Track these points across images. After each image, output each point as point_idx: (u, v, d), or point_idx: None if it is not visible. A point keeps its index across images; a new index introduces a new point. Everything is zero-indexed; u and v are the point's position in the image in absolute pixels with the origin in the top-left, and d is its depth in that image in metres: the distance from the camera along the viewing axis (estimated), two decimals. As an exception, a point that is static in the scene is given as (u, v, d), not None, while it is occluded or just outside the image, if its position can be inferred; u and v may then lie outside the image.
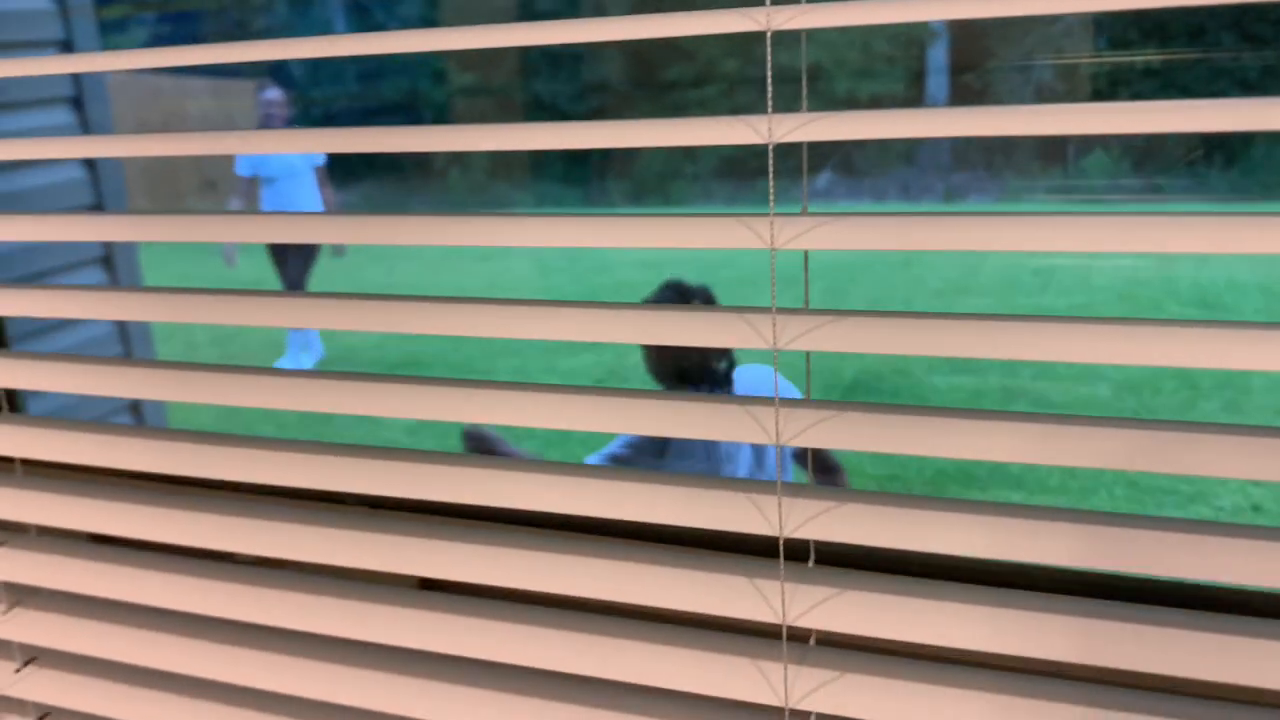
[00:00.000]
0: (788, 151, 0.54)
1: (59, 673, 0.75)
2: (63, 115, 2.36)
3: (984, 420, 0.52)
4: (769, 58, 0.53)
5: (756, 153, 0.53)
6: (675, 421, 0.57)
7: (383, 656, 0.67)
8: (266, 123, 3.97)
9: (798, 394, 1.82)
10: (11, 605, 0.76)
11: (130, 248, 2.50)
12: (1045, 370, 4.75)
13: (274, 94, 4.35)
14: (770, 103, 0.53)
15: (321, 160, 4.33)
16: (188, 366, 0.70)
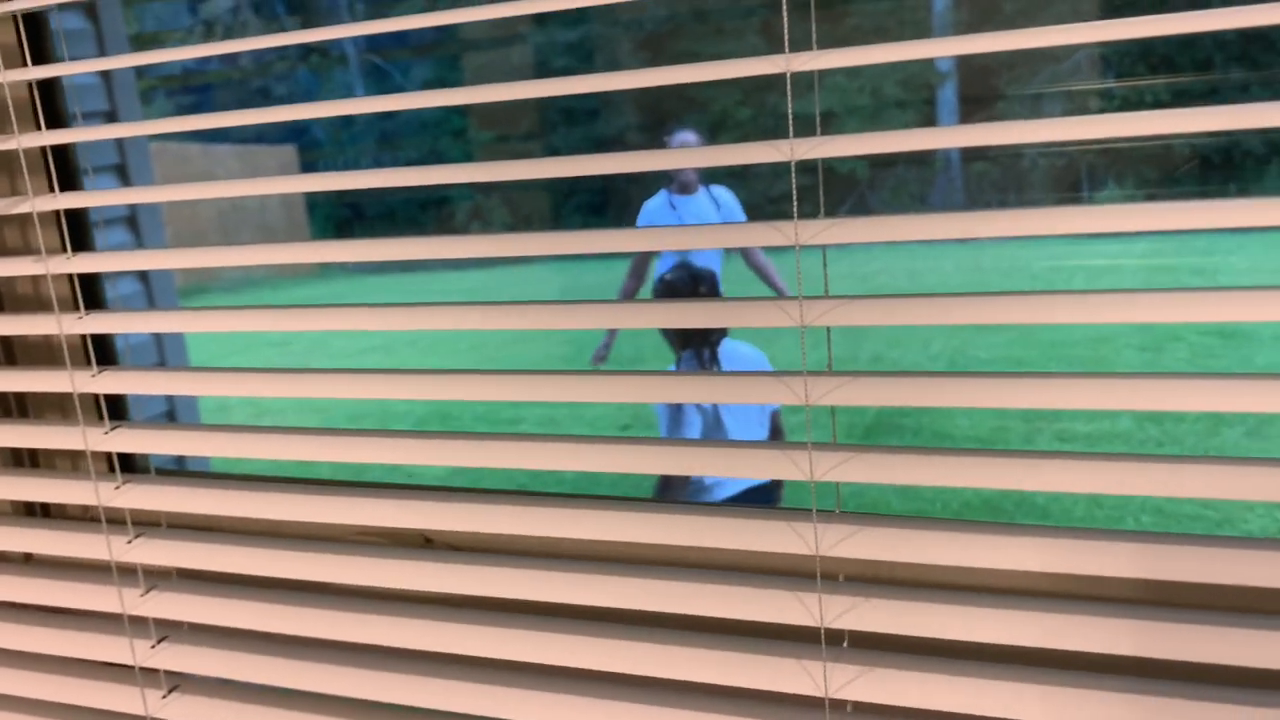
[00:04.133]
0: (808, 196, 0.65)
1: (189, 647, 0.86)
2: (108, 181, 2.54)
3: (995, 457, 0.62)
4: (789, 95, 0.63)
5: (772, 199, 0.64)
6: (721, 463, 0.67)
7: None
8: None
9: (767, 366, 2.95)
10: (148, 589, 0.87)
11: (154, 211, 2.74)
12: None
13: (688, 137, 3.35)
14: (791, 128, 0.63)
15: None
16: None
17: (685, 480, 2.61)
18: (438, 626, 0.78)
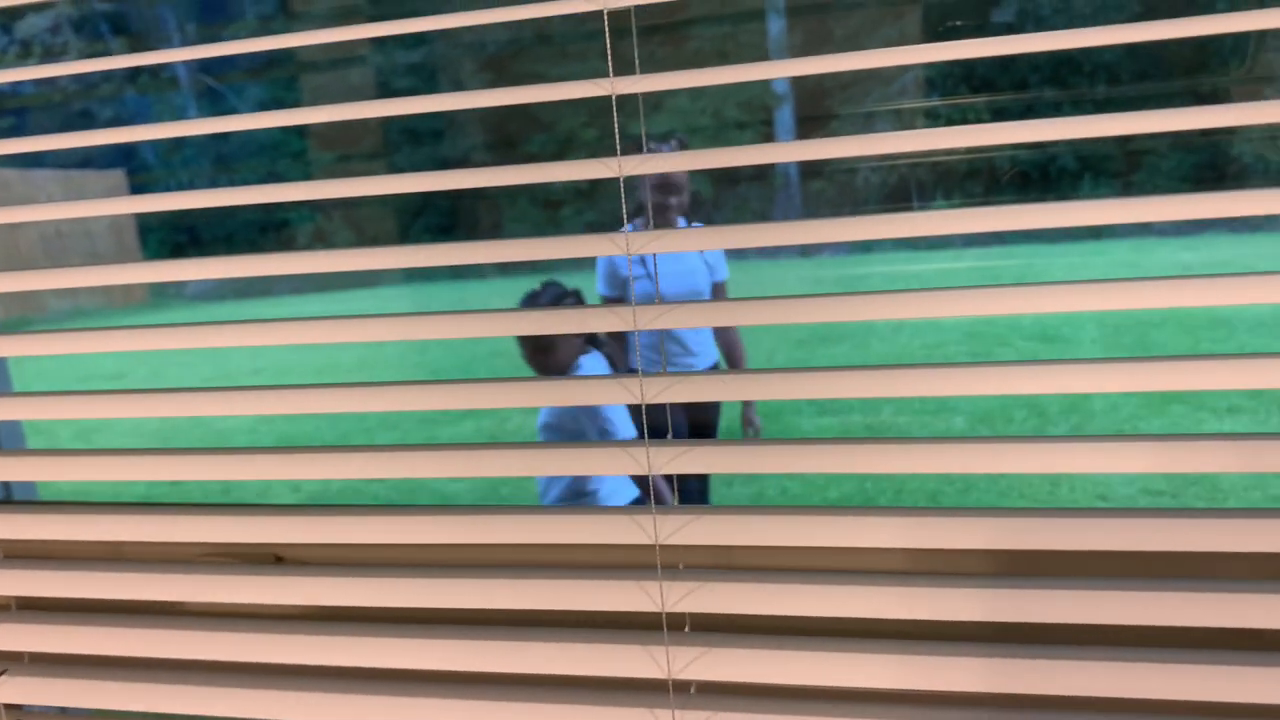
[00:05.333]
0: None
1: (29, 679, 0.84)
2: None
3: (821, 445, 0.67)
4: (615, 115, 0.67)
5: (617, 216, 0.68)
6: (561, 463, 0.71)
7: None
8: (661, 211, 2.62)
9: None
10: None
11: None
12: (903, 407, 5.04)
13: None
14: (618, 147, 0.67)
15: (724, 274, 2.82)
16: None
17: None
18: (293, 640, 0.78)
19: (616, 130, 0.66)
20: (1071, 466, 0.63)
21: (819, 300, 0.66)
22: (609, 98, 0.67)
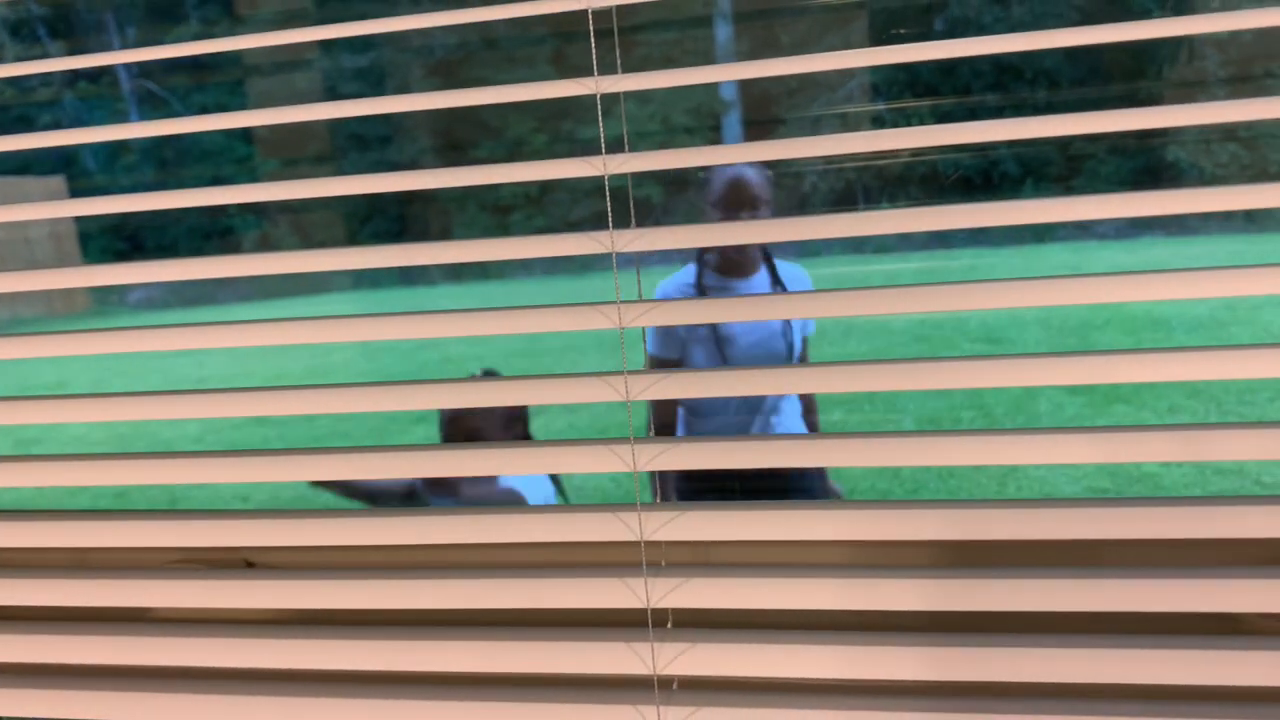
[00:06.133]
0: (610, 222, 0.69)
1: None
2: None
3: (808, 440, 0.68)
4: (599, 116, 0.67)
5: (571, 224, 0.68)
6: (548, 461, 0.71)
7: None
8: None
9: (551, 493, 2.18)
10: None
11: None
12: (853, 409, 5.10)
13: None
14: (603, 145, 0.67)
15: (813, 327, 2.24)
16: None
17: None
18: (266, 644, 0.77)
19: (602, 128, 0.67)
20: (1019, 458, 0.65)
21: (770, 300, 0.67)
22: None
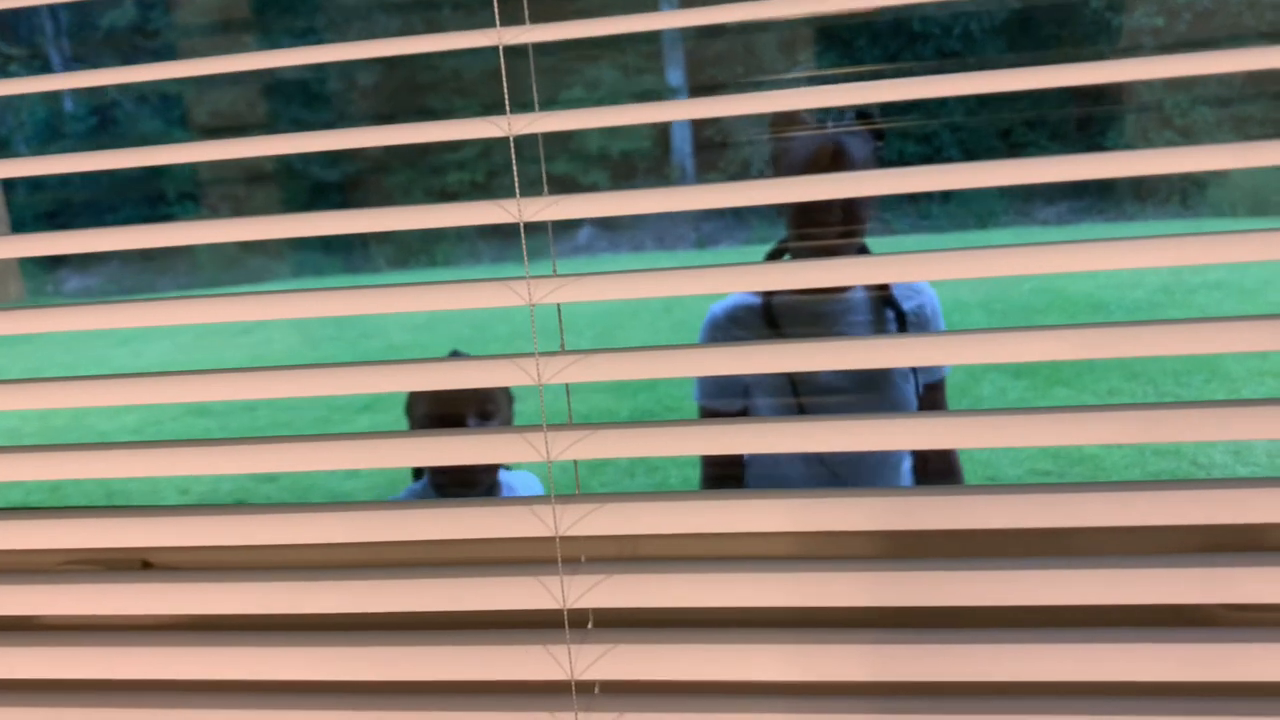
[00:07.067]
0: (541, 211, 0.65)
1: None
2: None
3: (723, 426, 0.64)
4: (503, 74, 0.62)
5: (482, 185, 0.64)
6: (461, 451, 0.66)
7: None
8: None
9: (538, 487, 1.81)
10: None
11: None
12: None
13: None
14: (508, 107, 0.63)
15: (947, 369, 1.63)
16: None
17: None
18: (162, 652, 0.72)
19: (506, 86, 0.62)
20: (963, 442, 0.61)
21: (706, 272, 0.63)
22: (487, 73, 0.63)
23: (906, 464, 1.55)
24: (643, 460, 4.36)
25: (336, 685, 0.72)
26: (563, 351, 0.65)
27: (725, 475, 1.57)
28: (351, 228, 0.67)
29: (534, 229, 0.64)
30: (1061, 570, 0.62)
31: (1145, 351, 0.60)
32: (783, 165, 1.48)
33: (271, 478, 4.69)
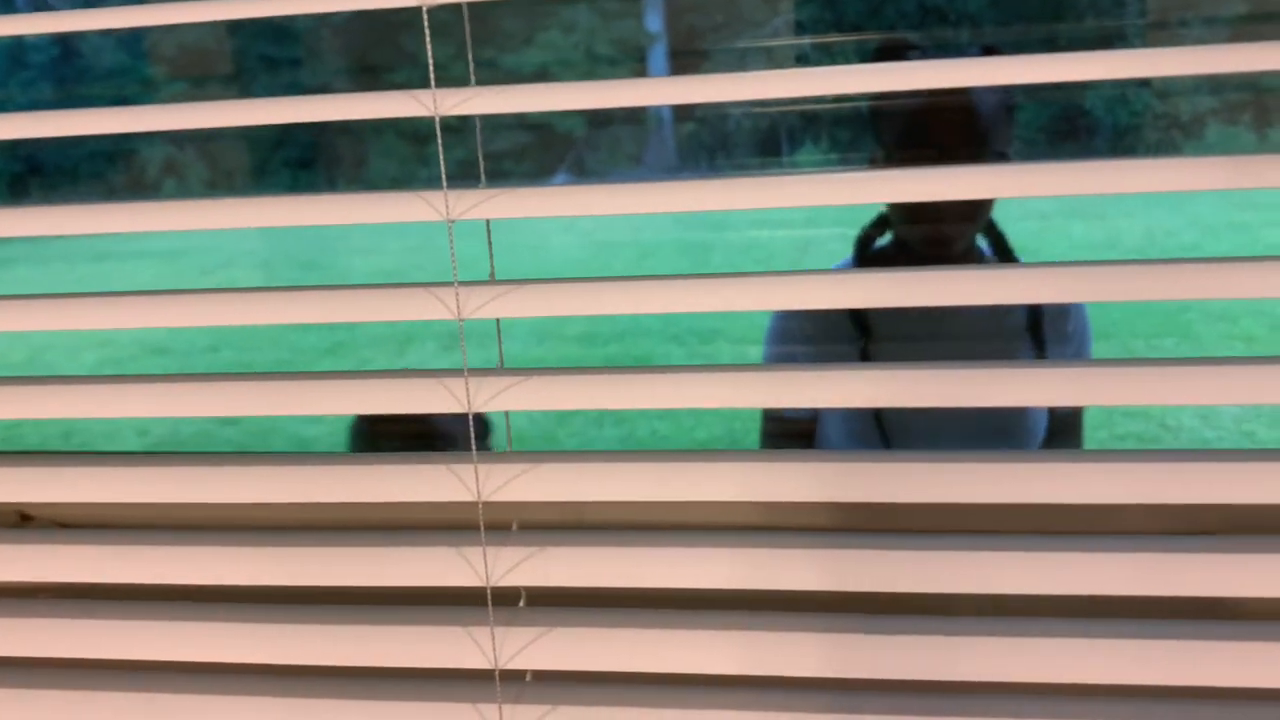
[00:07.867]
0: (499, 136, 0.55)
1: None
2: None
3: (658, 374, 0.55)
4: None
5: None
6: (378, 398, 0.56)
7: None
8: None
9: None
10: None
11: None
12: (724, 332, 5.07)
13: None
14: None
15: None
16: None
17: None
18: (33, 624, 0.62)
19: (430, 51, 0.52)
20: (933, 400, 0.52)
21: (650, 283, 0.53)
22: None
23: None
24: (612, 411, 4.26)
25: (218, 667, 0.62)
26: (492, 281, 0.55)
27: (787, 436, 1.29)
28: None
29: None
30: (1062, 552, 0.53)
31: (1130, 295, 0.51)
32: (887, 126, 1.14)
33: (233, 421, 4.55)
